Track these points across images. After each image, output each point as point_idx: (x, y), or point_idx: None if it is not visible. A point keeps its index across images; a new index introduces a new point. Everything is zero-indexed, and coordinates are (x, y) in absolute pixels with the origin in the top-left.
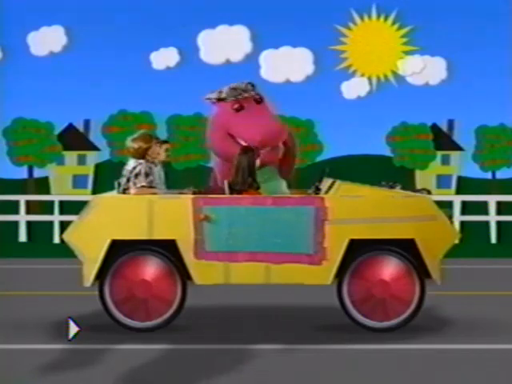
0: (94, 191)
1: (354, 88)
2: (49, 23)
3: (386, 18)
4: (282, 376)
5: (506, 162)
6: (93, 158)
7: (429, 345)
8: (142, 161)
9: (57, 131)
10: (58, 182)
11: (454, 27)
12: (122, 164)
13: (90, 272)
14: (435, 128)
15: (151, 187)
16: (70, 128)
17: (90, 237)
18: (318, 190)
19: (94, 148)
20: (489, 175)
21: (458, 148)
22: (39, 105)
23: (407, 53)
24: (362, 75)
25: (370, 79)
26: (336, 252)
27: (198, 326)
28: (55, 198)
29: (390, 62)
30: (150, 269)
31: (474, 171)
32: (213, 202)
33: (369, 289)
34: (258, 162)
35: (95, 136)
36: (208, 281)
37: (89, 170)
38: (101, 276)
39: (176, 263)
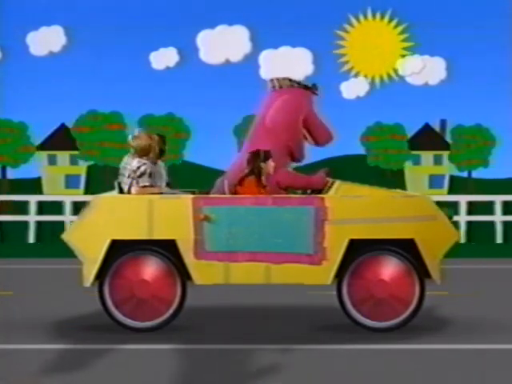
0: (87, 191)
1: (354, 88)
2: (48, 23)
3: (383, 18)
4: (282, 376)
5: (481, 162)
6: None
7: (429, 345)
8: (145, 160)
9: (32, 131)
10: (50, 183)
11: (454, 27)
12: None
13: (89, 272)
14: (427, 128)
15: (152, 186)
16: (62, 128)
17: (90, 237)
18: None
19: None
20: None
21: (448, 148)
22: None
23: (406, 49)
24: (360, 74)
25: (368, 79)
26: (336, 252)
27: (198, 326)
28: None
29: (389, 62)
30: (150, 269)
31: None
32: (213, 202)
33: (369, 289)
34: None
35: None
36: (208, 281)
37: (81, 171)
38: (101, 276)
39: (176, 263)
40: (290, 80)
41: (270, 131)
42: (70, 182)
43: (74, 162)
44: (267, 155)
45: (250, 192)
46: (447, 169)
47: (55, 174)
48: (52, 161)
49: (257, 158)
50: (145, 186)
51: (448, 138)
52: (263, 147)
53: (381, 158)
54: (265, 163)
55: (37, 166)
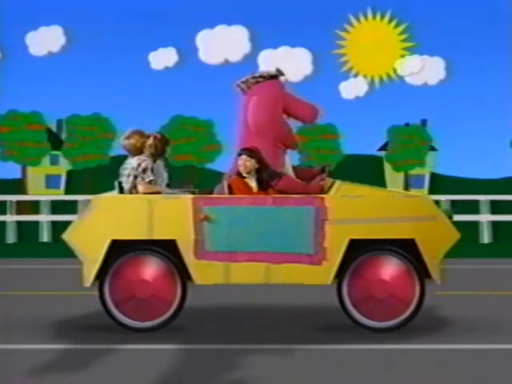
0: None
1: (353, 88)
2: (47, 23)
3: (383, 18)
4: (283, 376)
5: (418, 162)
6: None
7: (429, 345)
8: (145, 157)
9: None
10: (32, 183)
11: (453, 27)
12: None
13: (90, 272)
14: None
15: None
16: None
17: (90, 237)
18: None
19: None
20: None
21: (431, 148)
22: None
23: (406, 49)
24: (359, 74)
25: (367, 79)
26: (336, 252)
27: (198, 326)
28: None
29: (389, 62)
30: (150, 269)
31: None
32: (213, 201)
33: (369, 289)
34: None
35: None
36: (208, 281)
37: (61, 171)
38: (101, 276)
39: (176, 263)
40: (254, 77)
41: (255, 134)
42: (51, 182)
43: (54, 162)
44: (238, 152)
45: (235, 190)
46: (428, 169)
47: (36, 175)
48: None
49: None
50: (151, 181)
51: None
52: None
53: (313, 159)
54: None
55: None
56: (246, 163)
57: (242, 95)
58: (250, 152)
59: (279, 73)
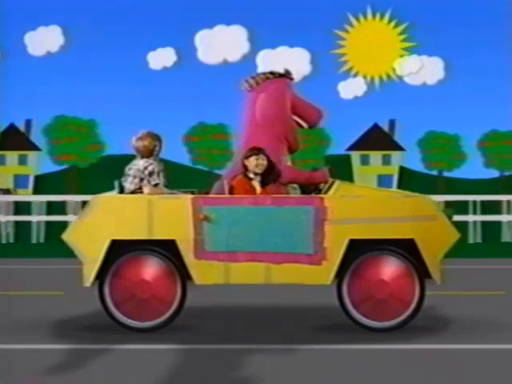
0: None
1: (351, 88)
2: (46, 23)
3: (382, 18)
4: (282, 376)
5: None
6: (34, 158)
7: (429, 345)
8: (151, 160)
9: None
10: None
11: (453, 27)
12: None
13: (89, 272)
14: (376, 128)
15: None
16: (12, 128)
17: (90, 237)
18: (318, 190)
19: (35, 148)
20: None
21: (399, 148)
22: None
23: (405, 49)
24: (359, 75)
25: (366, 79)
26: (336, 252)
27: (198, 326)
28: None
29: (388, 62)
30: (150, 269)
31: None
32: (213, 201)
33: (369, 289)
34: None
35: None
36: (208, 281)
37: (30, 171)
38: (101, 276)
39: (176, 263)
40: (264, 73)
41: (263, 127)
42: (19, 181)
43: (22, 161)
44: (250, 152)
45: (240, 191)
46: (395, 169)
47: (3, 174)
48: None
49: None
50: (157, 184)
51: (397, 138)
52: (259, 144)
53: (204, 159)
54: (247, 160)
55: None
56: (263, 162)
57: (249, 92)
58: (264, 151)
59: (288, 73)
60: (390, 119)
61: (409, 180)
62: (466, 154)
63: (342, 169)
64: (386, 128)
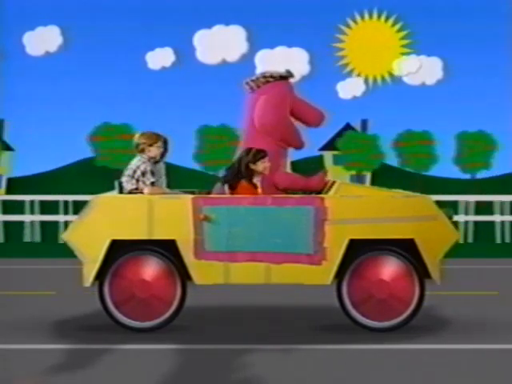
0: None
1: (350, 88)
2: (44, 23)
3: (379, 17)
4: (282, 376)
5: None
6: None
7: (429, 345)
8: (144, 159)
9: None
10: None
11: (451, 27)
12: None
13: (89, 272)
14: (348, 128)
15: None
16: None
17: (90, 237)
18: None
19: (8, 148)
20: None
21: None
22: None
23: (404, 46)
24: (358, 75)
25: (364, 79)
26: (336, 252)
27: (197, 326)
28: None
29: (386, 62)
30: (150, 269)
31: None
32: (213, 201)
33: (369, 289)
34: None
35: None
36: (208, 281)
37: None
38: (101, 276)
39: (176, 263)
40: (265, 76)
41: (261, 133)
42: None
43: None
44: (257, 156)
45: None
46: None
47: None
48: None
49: (244, 157)
50: (153, 183)
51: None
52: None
53: (109, 158)
54: (255, 164)
55: None
56: (269, 164)
57: (250, 93)
58: (266, 152)
59: (289, 74)
60: (362, 119)
61: (386, 178)
62: (437, 155)
63: (315, 169)
64: (358, 128)
